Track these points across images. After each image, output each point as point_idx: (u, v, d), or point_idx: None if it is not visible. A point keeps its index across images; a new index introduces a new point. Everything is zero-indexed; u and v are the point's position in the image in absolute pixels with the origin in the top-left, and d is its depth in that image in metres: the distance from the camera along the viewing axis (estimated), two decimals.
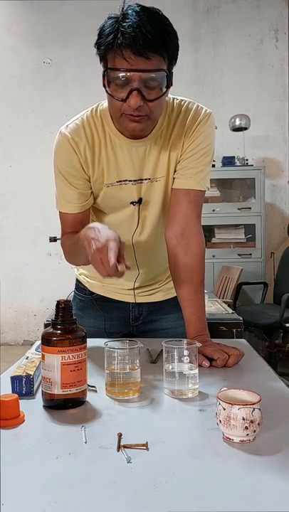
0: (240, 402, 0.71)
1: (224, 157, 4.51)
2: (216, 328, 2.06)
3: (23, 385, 0.91)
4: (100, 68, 1.08)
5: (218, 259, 4.30)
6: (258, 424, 0.70)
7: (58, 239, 3.20)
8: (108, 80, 1.05)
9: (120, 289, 1.38)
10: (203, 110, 1.21)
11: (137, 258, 1.28)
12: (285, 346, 3.55)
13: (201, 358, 1.06)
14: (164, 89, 1.06)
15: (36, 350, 1.12)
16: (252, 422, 0.69)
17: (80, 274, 1.46)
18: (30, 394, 0.91)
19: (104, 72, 1.06)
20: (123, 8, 1.02)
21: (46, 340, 0.85)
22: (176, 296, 1.27)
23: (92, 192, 1.24)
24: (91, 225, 1.07)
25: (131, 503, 0.56)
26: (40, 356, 0.87)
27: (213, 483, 0.60)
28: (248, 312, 3.61)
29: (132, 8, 1.01)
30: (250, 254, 4.39)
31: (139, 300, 1.38)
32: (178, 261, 1.22)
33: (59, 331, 0.85)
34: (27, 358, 1.05)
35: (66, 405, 0.84)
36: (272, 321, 3.40)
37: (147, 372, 1.04)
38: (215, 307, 2.50)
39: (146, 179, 1.21)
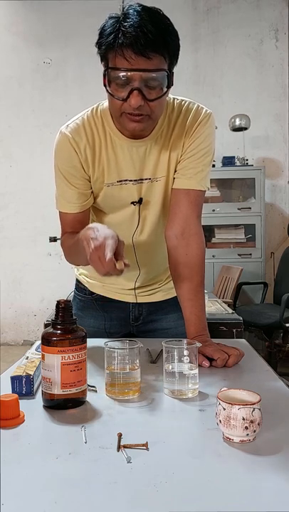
0: (240, 402, 0.71)
1: (224, 157, 4.51)
2: (216, 328, 2.06)
3: (23, 385, 0.91)
4: (100, 68, 1.08)
5: (218, 259, 4.30)
6: (258, 424, 0.70)
7: (58, 239, 3.20)
8: (109, 80, 1.05)
9: (120, 289, 1.38)
10: (204, 110, 1.21)
11: (137, 258, 1.29)
12: (285, 346, 3.55)
13: (201, 358, 1.06)
14: (165, 89, 1.06)
15: (36, 350, 1.12)
16: (252, 422, 0.69)
17: (80, 274, 1.46)
18: (30, 394, 0.91)
19: (105, 71, 1.06)
20: (124, 8, 1.02)
21: (46, 340, 0.85)
22: (176, 296, 1.27)
23: (92, 192, 1.24)
24: (90, 225, 1.07)
25: (131, 503, 0.56)
26: (40, 356, 0.87)
27: (213, 483, 0.60)
28: (248, 312, 3.61)
29: (133, 8, 1.01)
30: (250, 254, 4.39)
31: (140, 300, 1.38)
32: (178, 261, 1.22)
33: (59, 331, 0.85)
34: (27, 358, 1.05)
35: (66, 405, 0.84)
36: (272, 321, 3.40)
37: (147, 372, 1.04)
38: (215, 307, 2.50)
39: (146, 179, 1.21)
